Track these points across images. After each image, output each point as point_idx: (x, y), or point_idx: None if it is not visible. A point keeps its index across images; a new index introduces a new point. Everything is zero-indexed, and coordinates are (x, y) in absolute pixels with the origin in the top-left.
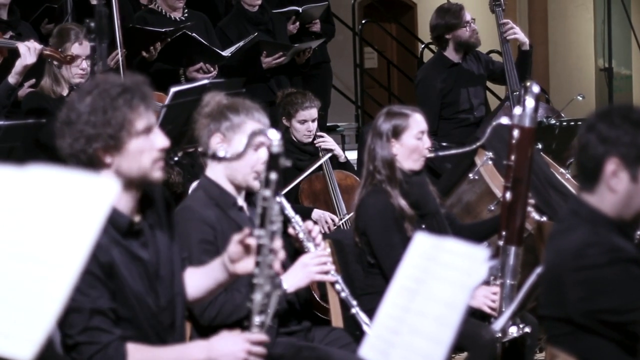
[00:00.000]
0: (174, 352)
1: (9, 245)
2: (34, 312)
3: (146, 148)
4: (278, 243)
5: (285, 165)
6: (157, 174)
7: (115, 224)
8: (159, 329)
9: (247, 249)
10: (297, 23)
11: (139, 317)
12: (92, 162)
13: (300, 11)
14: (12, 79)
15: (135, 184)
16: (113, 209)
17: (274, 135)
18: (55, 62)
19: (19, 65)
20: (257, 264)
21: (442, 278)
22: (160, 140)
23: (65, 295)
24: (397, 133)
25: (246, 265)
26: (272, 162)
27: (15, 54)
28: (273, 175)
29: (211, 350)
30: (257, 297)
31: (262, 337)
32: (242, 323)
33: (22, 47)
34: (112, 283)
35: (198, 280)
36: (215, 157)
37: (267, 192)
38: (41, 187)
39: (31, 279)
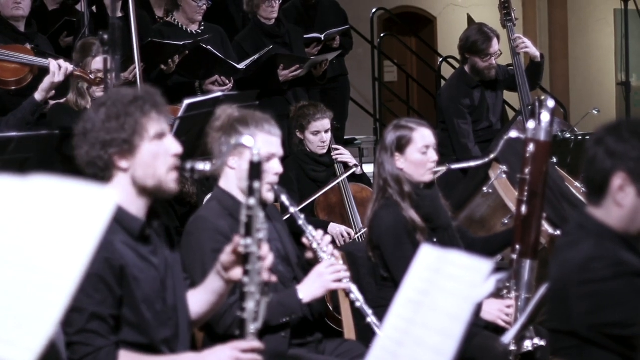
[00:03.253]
0: None
1: (9, 253)
2: (34, 320)
3: (160, 153)
4: (265, 250)
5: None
6: (172, 185)
7: (128, 227)
8: (165, 336)
9: (238, 257)
10: (319, 47)
11: (147, 323)
12: (109, 168)
13: (323, 38)
14: (38, 95)
15: (148, 192)
16: (125, 212)
17: (251, 142)
18: (84, 84)
19: (46, 81)
20: (247, 272)
21: (447, 290)
22: (173, 146)
23: (65, 303)
24: (400, 147)
25: (238, 272)
26: (254, 171)
27: (45, 73)
28: (257, 184)
29: None
30: (250, 305)
31: (254, 344)
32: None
33: (52, 64)
34: (121, 288)
35: (199, 296)
36: (194, 171)
37: (252, 201)
38: (42, 197)
39: (31, 286)
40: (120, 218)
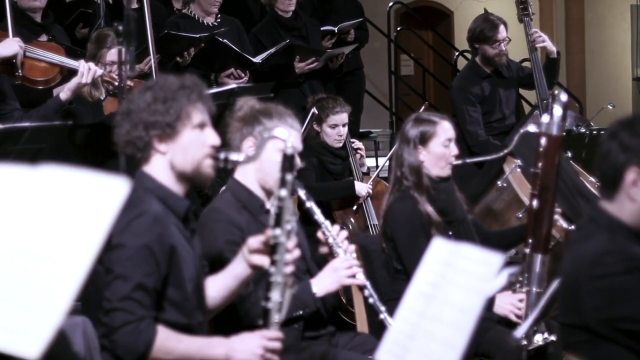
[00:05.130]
0: (198, 343)
1: (19, 242)
2: (41, 310)
3: (199, 142)
4: (293, 242)
5: (300, 166)
6: (209, 170)
7: (174, 208)
8: (199, 320)
9: (267, 247)
10: (333, 40)
11: (190, 303)
12: (147, 149)
13: (336, 31)
14: (63, 94)
15: (186, 177)
16: (172, 193)
17: (285, 134)
18: (111, 88)
19: (73, 82)
20: (274, 262)
21: (458, 283)
22: (212, 137)
23: (73, 293)
24: (424, 140)
25: (262, 259)
26: (287, 163)
27: (73, 74)
28: (289, 177)
29: (230, 347)
30: (275, 295)
31: (278, 333)
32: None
33: (82, 66)
34: (169, 267)
35: (219, 280)
36: (227, 161)
37: (283, 192)
38: (53, 187)
39: (39, 276)
40: (167, 198)
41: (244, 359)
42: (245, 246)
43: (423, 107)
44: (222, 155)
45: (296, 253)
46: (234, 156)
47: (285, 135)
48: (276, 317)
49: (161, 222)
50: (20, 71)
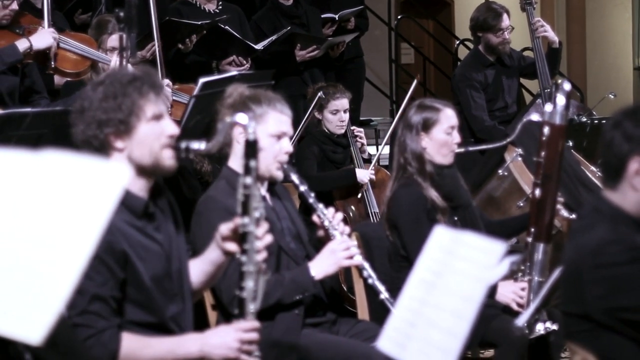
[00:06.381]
0: (168, 343)
1: (20, 228)
2: (43, 296)
3: (156, 134)
4: (263, 229)
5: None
6: (169, 162)
7: (130, 206)
8: (172, 313)
9: (237, 235)
10: (334, 27)
11: (155, 301)
12: (104, 147)
13: (337, 18)
14: None
15: (147, 171)
16: (127, 192)
17: (246, 120)
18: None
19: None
20: (245, 251)
21: (460, 271)
22: (170, 127)
23: (75, 279)
24: (427, 127)
25: (233, 245)
26: (250, 149)
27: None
28: (253, 163)
29: (204, 342)
30: (249, 284)
31: (254, 323)
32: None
33: (114, 61)
34: (124, 271)
35: (197, 266)
36: (188, 150)
37: (248, 180)
38: (53, 172)
39: (41, 262)
40: (123, 197)
41: (220, 354)
42: (217, 233)
43: (415, 81)
44: (182, 145)
45: (267, 239)
46: (195, 145)
47: (245, 120)
48: (251, 307)
49: (108, 231)
50: (52, 63)
